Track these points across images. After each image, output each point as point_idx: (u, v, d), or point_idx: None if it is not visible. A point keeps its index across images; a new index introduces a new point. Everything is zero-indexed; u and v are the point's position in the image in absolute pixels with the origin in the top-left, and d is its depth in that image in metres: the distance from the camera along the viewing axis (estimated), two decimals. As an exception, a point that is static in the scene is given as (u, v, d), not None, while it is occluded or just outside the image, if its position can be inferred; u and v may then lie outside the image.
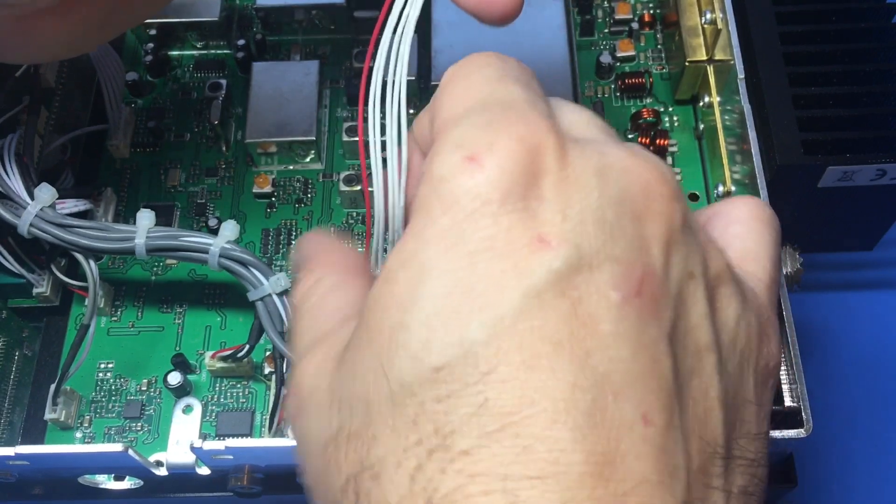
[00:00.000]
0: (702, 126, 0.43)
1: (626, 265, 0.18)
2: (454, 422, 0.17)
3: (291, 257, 0.25)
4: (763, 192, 0.35)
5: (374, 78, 0.26)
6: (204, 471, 0.34)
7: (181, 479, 0.35)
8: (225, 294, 0.41)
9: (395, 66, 0.25)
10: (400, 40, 0.25)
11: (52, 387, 0.37)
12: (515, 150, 0.19)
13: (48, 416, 0.37)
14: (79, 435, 0.38)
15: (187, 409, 0.38)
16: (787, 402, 0.32)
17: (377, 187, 0.25)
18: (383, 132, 0.25)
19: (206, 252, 0.34)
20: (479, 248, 0.18)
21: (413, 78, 0.43)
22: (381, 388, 0.18)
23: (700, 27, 0.42)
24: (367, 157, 0.26)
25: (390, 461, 0.18)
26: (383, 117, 0.25)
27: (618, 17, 0.47)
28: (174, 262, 0.41)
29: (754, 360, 0.22)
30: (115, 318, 0.40)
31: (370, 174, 0.26)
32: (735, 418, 0.20)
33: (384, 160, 0.25)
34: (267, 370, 0.38)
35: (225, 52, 0.47)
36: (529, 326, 0.18)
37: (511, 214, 0.18)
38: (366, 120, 0.26)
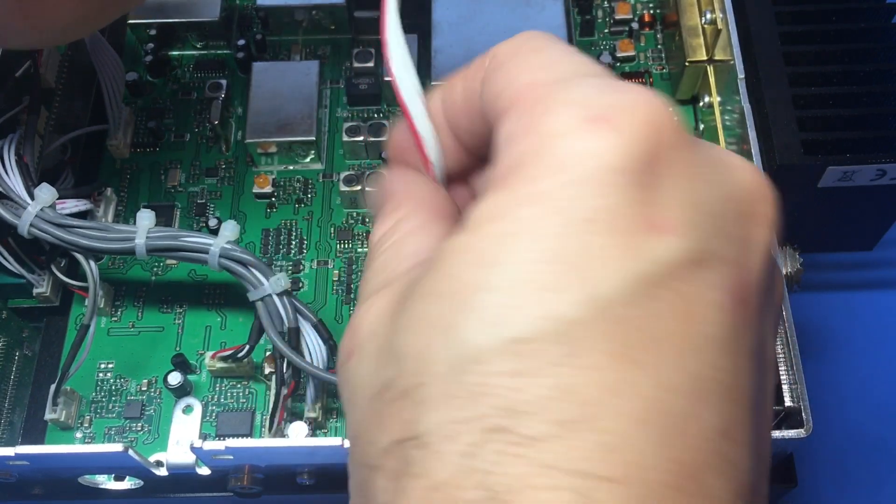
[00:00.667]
0: (702, 126, 0.43)
1: (736, 268, 0.17)
2: (526, 402, 0.15)
3: (371, 194, 0.23)
4: (763, 192, 0.35)
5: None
6: (204, 471, 0.34)
7: (181, 479, 0.35)
8: (225, 294, 0.41)
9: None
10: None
11: (53, 387, 0.37)
12: (643, 119, 0.17)
13: (48, 416, 0.37)
14: (79, 435, 0.38)
15: (187, 410, 0.38)
16: (787, 402, 0.32)
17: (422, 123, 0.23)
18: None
19: (207, 252, 0.34)
20: (589, 218, 0.16)
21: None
22: (442, 347, 0.17)
23: (700, 27, 0.42)
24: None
25: (441, 432, 0.16)
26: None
27: (618, 17, 0.47)
28: (174, 262, 0.41)
29: None
30: (115, 319, 0.40)
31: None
32: None
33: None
34: (267, 370, 0.38)
35: (225, 52, 0.47)
36: (632, 314, 0.16)
37: (631, 189, 0.16)
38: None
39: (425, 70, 0.43)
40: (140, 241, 0.34)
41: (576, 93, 0.18)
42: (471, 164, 0.23)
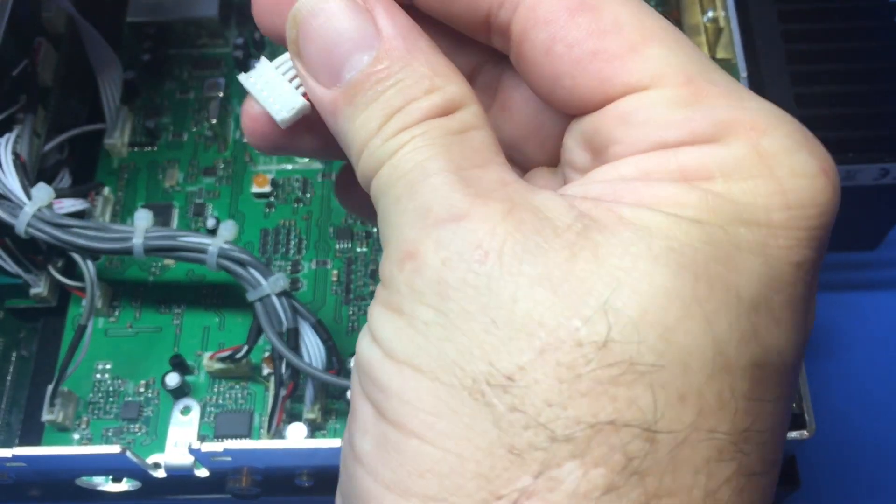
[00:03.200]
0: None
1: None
2: (750, 432, 0.16)
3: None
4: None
5: None
6: (202, 472, 0.34)
7: (179, 480, 0.35)
8: (223, 294, 0.40)
9: None
10: None
11: (50, 388, 0.36)
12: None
13: (45, 417, 0.37)
14: (76, 436, 0.38)
15: (185, 411, 0.37)
16: (790, 403, 0.32)
17: None
18: None
19: (205, 252, 0.34)
20: None
21: None
22: (694, 335, 0.16)
23: (702, 25, 0.42)
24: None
25: (683, 437, 0.15)
26: None
27: (618, 15, 0.46)
28: (172, 262, 0.41)
29: None
30: (112, 319, 0.40)
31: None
32: None
33: None
34: (266, 371, 0.38)
35: (223, 50, 0.47)
36: None
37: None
38: None
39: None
40: (138, 241, 0.34)
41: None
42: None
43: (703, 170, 0.17)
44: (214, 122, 0.44)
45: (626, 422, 0.14)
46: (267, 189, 0.43)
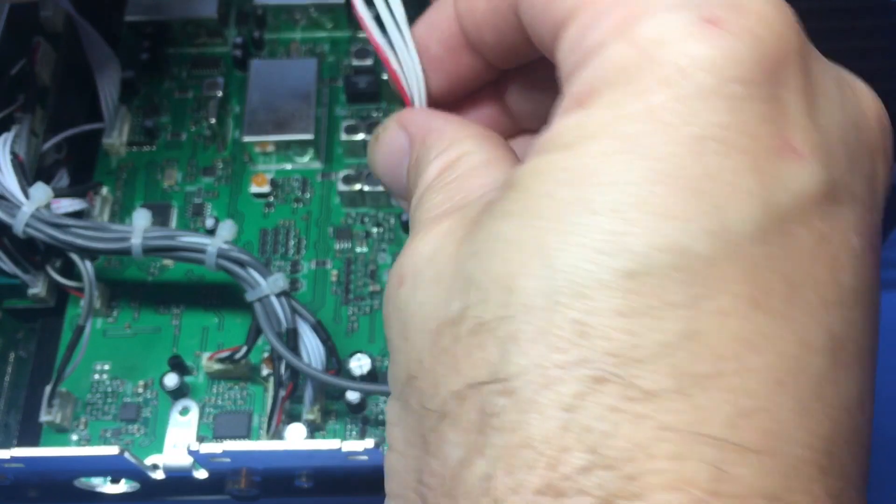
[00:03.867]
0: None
1: (867, 209, 0.15)
2: (642, 348, 0.13)
3: (381, 143, 0.22)
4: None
5: None
6: (201, 474, 0.34)
7: (178, 482, 0.35)
8: (222, 295, 0.40)
9: None
10: None
11: (48, 389, 0.36)
12: (764, 21, 0.14)
13: (43, 418, 0.37)
14: (74, 437, 0.38)
15: (184, 412, 0.37)
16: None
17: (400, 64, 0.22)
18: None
19: (204, 252, 0.34)
20: (710, 135, 0.14)
21: None
22: (537, 274, 0.14)
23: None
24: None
25: (536, 377, 0.13)
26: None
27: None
28: (171, 262, 0.41)
29: None
30: (111, 320, 0.40)
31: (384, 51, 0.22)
32: None
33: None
34: (265, 372, 0.38)
35: (222, 49, 0.47)
36: (767, 253, 0.13)
37: (763, 103, 0.14)
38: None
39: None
40: (136, 241, 0.34)
41: None
42: (495, 81, 0.22)
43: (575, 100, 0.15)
44: (213, 121, 0.44)
45: (482, 380, 0.14)
46: (266, 189, 0.43)
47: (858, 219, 0.15)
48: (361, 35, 0.46)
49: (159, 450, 0.36)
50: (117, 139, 0.43)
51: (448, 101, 0.22)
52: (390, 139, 0.21)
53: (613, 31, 0.15)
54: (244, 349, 0.36)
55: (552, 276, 0.14)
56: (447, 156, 0.19)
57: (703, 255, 0.13)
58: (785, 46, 0.14)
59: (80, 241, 0.34)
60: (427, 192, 0.19)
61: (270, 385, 0.36)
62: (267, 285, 0.34)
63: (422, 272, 0.16)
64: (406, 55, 0.21)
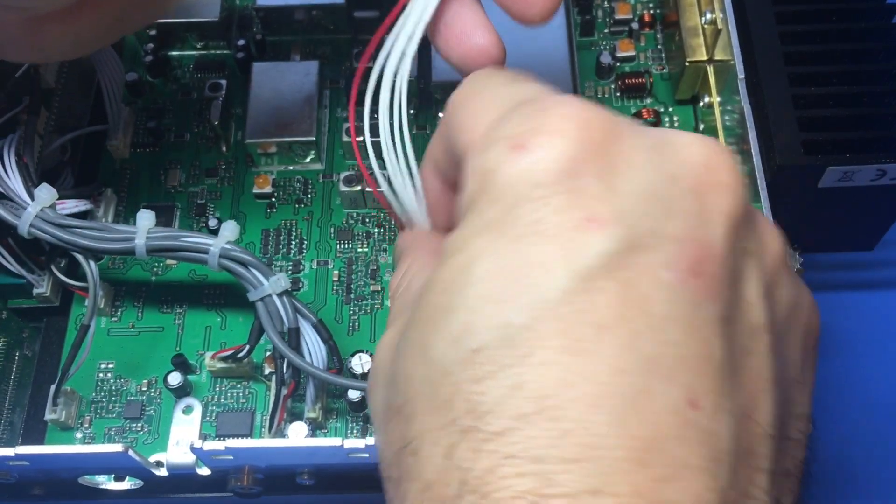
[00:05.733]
0: (702, 126, 0.43)
1: (684, 244, 0.18)
2: (488, 402, 0.17)
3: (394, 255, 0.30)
4: (763, 192, 0.35)
5: (378, 77, 0.26)
6: (204, 471, 0.34)
7: (181, 479, 0.35)
8: (225, 294, 0.41)
9: (400, 65, 0.25)
10: (409, 39, 0.25)
11: (53, 387, 0.37)
12: (562, 129, 0.19)
13: (48, 416, 0.37)
14: (79, 435, 0.38)
15: (187, 410, 0.38)
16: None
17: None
18: (385, 131, 0.26)
19: (206, 252, 0.34)
20: (527, 232, 0.18)
21: (413, 78, 0.43)
22: (421, 367, 0.19)
23: (700, 27, 0.42)
24: (365, 157, 0.28)
25: (427, 439, 0.18)
26: (390, 117, 0.26)
27: (618, 17, 0.47)
28: (174, 262, 0.41)
29: (803, 340, 0.21)
30: (115, 319, 0.40)
31: (371, 173, 0.28)
32: (785, 398, 0.20)
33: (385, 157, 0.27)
34: (267, 371, 0.38)
35: (225, 52, 0.47)
36: (574, 309, 0.17)
37: (560, 196, 0.18)
38: (363, 119, 0.27)
39: (426, 70, 0.43)
40: (140, 242, 0.34)
41: (503, 128, 0.20)
42: None
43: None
44: (216, 123, 0.44)
45: (398, 448, 0.19)
46: (268, 189, 0.43)
47: (671, 255, 0.18)
48: (363, 37, 0.46)
49: (163, 447, 0.37)
50: (121, 141, 0.44)
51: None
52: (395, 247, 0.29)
53: (472, 167, 0.20)
54: (247, 348, 0.36)
55: (429, 366, 0.18)
56: (398, 271, 0.26)
57: (523, 324, 0.17)
58: (580, 147, 0.18)
59: (84, 242, 0.34)
60: (390, 301, 0.25)
61: (273, 384, 0.36)
62: (269, 285, 0.34)
63: (377, 377, 0.22)
64: (410, 203, 0.28)
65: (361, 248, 0.42)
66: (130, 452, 0.31)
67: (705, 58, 0.42)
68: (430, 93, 0.43)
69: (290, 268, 0.41)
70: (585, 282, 0.17)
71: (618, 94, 0.45)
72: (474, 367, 0.17)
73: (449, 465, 0.17)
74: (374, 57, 0.26)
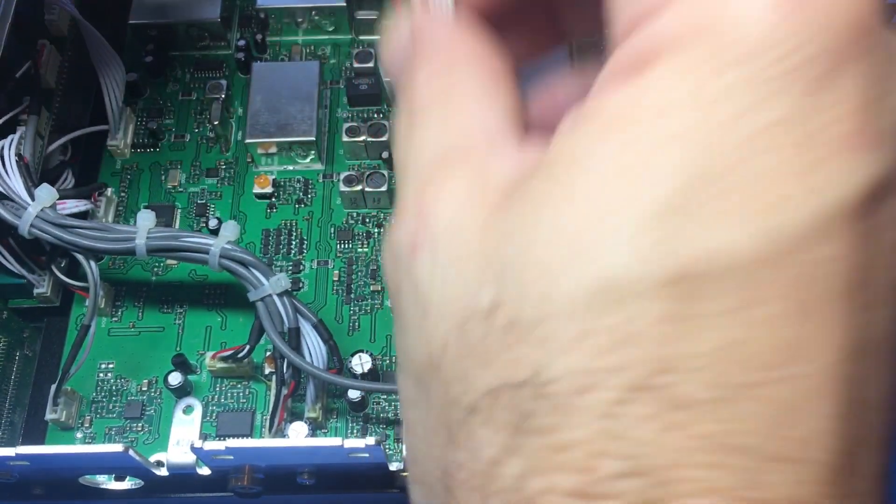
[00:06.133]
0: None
1: None
2: (686, 357, 0.12)
3: (390, 42, 0.18)
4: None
5: None
6: (204, 471, 0.34)
7: (181, 479, 0.35)
8: (225, 294, 0.41)
9: None
10: None
11: (53, 387, 0.37)
12: None
13: (49, 416, 0.37)
14: (79, 435, 0.38)
15: (188, 410, 0.38)
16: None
17: None
18: None
19: (207, 252, 0.35)
20: (768, 129, 0.13)
21: None
22: (578, 276, 0.13)
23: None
24: None
25: (574, 383, 0.13)
26: None
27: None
28: (174, 262, 0.41)
29: None
30: (115, 319, 0.40)
31: None
32: None
33: None
34: (267, 370, 0.38)
35: (225, 52, 0.47)
36: (819, 257, 0.13)
37: (824, 92, 0.13)
38: None
39: None
40: (140, 242, 0.34)
41: None
42: None
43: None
44: (216, 123, 0.44)
45: (518, 381, 0.13)
46: (268, 190, 0.43)
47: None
48: (363, 38, 0.46)
49: (163, 447, 0.37)
50: (122, 141, 0.44)
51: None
52: (395, 37, 0.18)
53: None
54: (247, 348, 0.36)
55: (594, 278, 0.13)
56: (438, 76, 0.17)
57: (754, 259, 0.12)
58: (858, 24, 0.13)
59: (84, 242, 0.34)
60: (416, 117, 0.17)
61: (273, 383, 0.36)
62: (269, 285, 0.34)
63: (445, 244, 0.15)
64: None
65: (361, 248, 0.42)
66: (131, 452, 0.31)
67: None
68: None
69: (291, 268, 0.41)
70: (839, 220, 0.13)
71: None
72: (670, 303, 0.13)
73: (606, 429, 0.13)
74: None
